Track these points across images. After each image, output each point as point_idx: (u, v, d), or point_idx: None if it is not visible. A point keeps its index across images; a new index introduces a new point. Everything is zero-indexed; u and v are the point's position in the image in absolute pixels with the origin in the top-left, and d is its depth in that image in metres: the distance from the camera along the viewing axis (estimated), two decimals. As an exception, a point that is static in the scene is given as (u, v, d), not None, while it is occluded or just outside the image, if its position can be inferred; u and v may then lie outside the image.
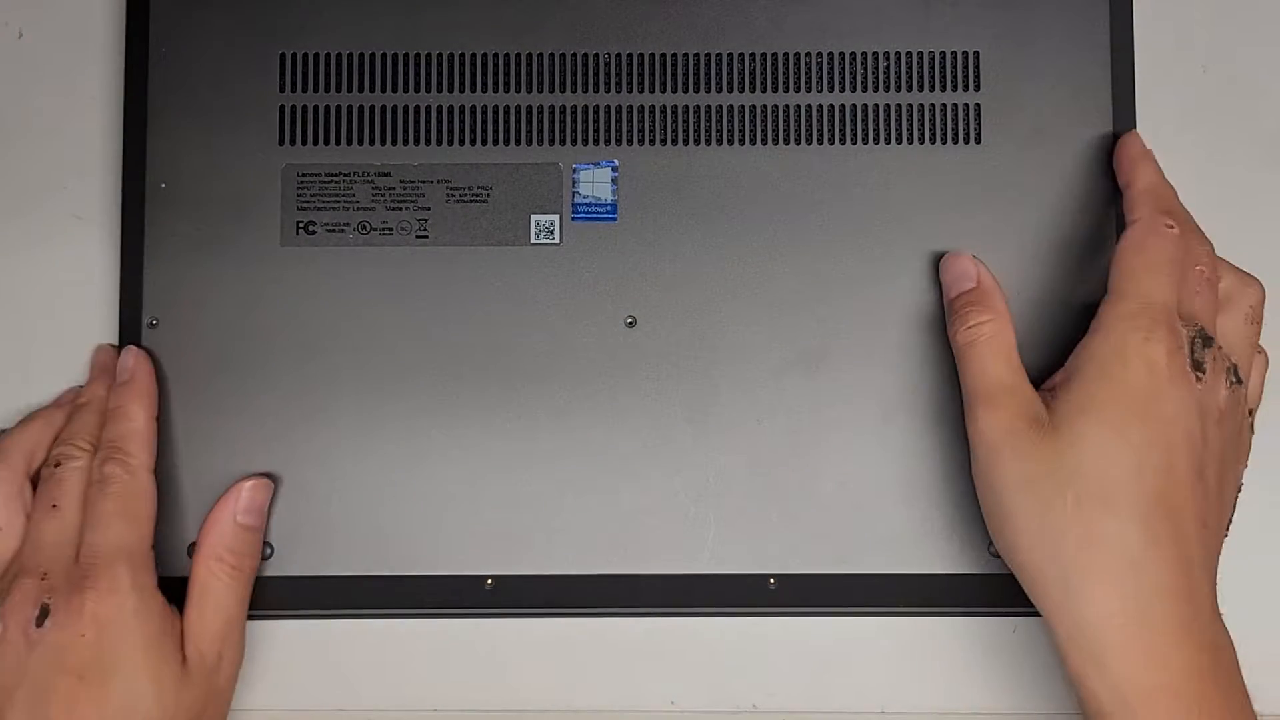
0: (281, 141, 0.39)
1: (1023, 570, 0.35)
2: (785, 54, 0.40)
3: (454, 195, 0.39)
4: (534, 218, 0.39)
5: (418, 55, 0.39)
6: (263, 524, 0.39)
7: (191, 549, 0.39)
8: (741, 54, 0.40)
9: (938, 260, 0.40)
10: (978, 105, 0.40)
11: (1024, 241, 0.40)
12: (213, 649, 0.37)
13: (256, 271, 0.40)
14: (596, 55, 0.39)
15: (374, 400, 0.39)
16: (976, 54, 0.40)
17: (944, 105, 0.40)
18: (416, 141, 0.40)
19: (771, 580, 0.40)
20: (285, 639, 0.42)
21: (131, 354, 0.39)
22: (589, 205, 0.39)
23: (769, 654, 0.44)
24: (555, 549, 0.40)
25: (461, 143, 0.39)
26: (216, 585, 0.38)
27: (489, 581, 0.40)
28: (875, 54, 0.40)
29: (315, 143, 0.39)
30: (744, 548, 0.40)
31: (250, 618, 0.41)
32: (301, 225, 0.39)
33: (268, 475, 0.39)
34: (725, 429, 0.40)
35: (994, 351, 0.37)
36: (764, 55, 0.40)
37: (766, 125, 0.40)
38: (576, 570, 0.40)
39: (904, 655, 0.43)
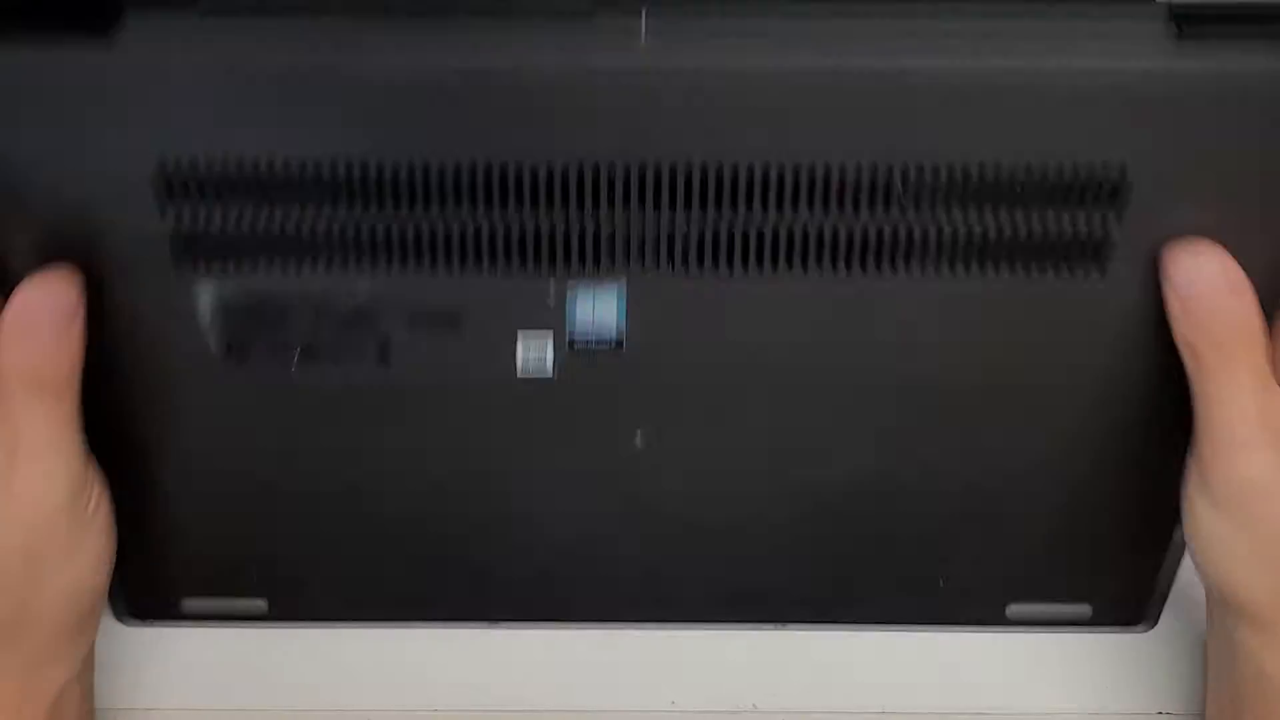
0: (191, 262, 0.30)
1: None
2: (832, 166, 0.29)
3: (418, 321, 0.31)
4: (520, 347, 0.31)
5: (352, 165, 0.28)
6: (65, 322, 0.31)
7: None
8: (782, 167, 0.29)
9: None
10: (1112, 229, 0.30)
11: None
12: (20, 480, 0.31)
13: (185, 403, 0.33)
14: (596, 168, 0.29)
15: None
16: (1122, 166, 0.29)
17: (1058, 230, 0.30)
18: (362, 263, 0.30)
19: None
20: (284, 638, 0.42)
21: None
22: (587, 336, 0.31)
23: (770, 654, 0.43)
24: None
25: (422, 266, 0.30)
26: (25, 406, 0.31)
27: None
28: (976, 167, 0.29)
29: (233, 263, 0.30)
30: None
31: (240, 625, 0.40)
32: (233, 349, 0.31)
33: None
34: None
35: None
36: (804, 168, 0.29)
37: (809, 248, 0.30)
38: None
39: (905, 656, 0.43)
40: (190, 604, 0.38)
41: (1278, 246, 0.30)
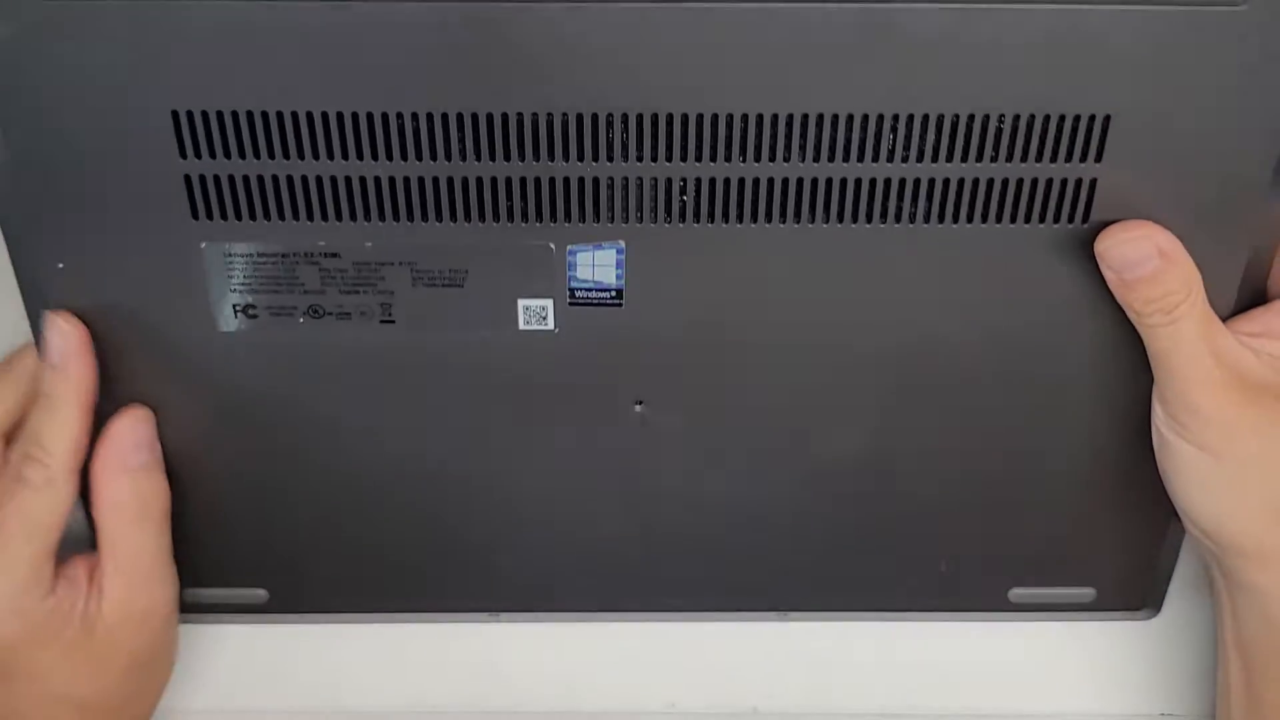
0: (195, 216, 0.31)
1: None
2: (836, 116, 0.30)
3: (421, 278, 0.32)
4: (522, 303, 0.32)
5: (356, 115, 0.29)
6: (156, 457, 0.35)
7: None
8: (776, 116, 0.30)
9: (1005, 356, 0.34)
10: (1093, 181, 0.31)
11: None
12: (136, 603, 0.35)
13: (193, 359, 0.33)
14: (595, 116, 0.30)
15: (367, 469, 0.35)
16: (1107, 119, 0.30)
17: (1043, 179, 0.31)
18: (366, 218, 0.31)
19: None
20: (284, 639, 0.41)
21: (59, 330, 0.32)
22: (588, 291, 0.32)
23: (769, 656, 0.43)
24: None
25: (425, 219, 0.31)
26: (126, 537, 0.35)
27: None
28: (960, 117, 0.30)
29: (238, 218, 0.31)
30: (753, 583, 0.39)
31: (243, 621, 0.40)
32: (239, 308, 0.32)
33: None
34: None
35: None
36: (810, 117, 0.30)
37: (815, 200, 0.31)
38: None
39: (904, 656, 0.43)
40: (191, 594, 0.38)
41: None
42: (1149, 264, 0.31)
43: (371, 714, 0.42)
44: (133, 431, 0.35)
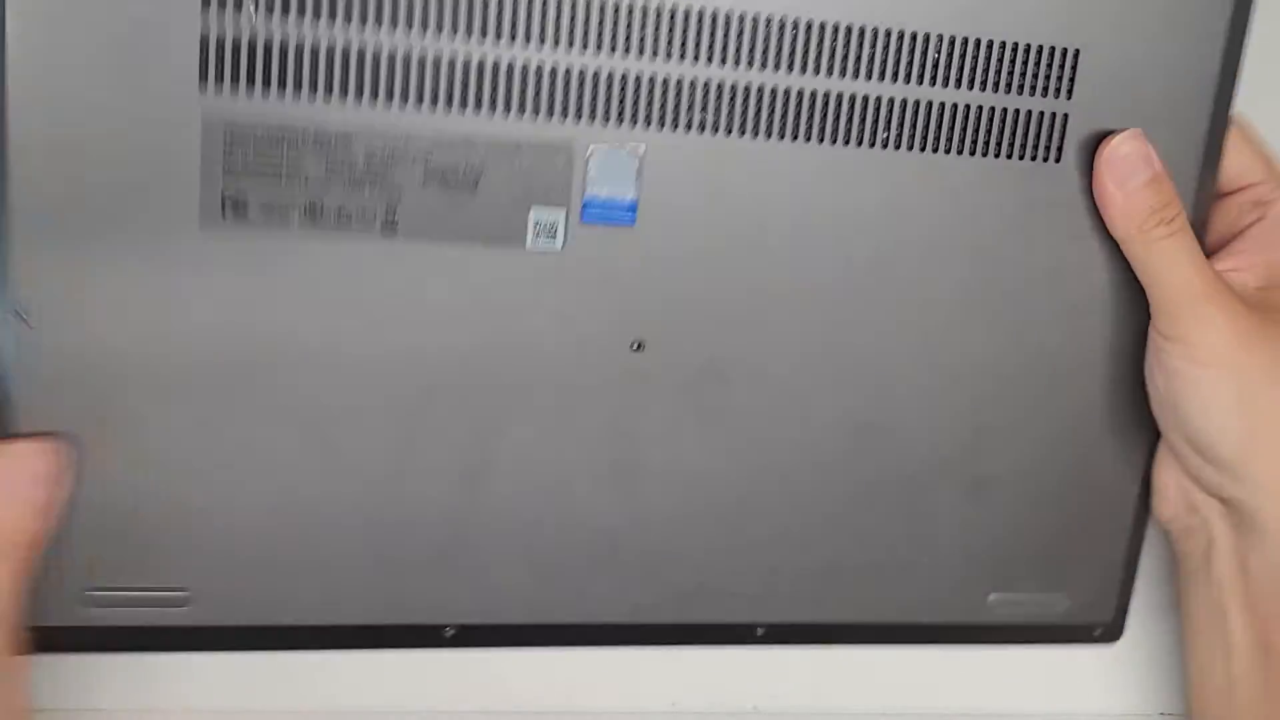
0: (204, 81, 0.29)
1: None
2: (854, 28, 0.31)
3: (434, 176, 0.31)
4: (534, 214, 0.32)
5: None
6: (51, 499, 0.31)
7: (91, 597, 0.32)
8: (796, 20, 0.31)
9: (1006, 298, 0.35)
10: (1065, 116, 0.34)
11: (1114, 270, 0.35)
12: None
13: (166, 262, 0.30)
14: (631, 7, 0.30)
15: (322, 428, 0.32)
16: (1076, 53, 0.33)
17: (1021, 111, 0.33)
18: (389, 96, 0.30)
19: (759, 630, 0.37)
20: None
21: None
22: (602, 204, 0.31)
23: (770, 656, 0.41)
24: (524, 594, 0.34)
25: (448, 104, 0.30)
26: None
27: (448, 630, 0.34)
28: (944, 37, 0.32)
29: (250, 87, 0.29)
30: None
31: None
32: (229, 200, 0.30)
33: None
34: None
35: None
36: (833, 26, 0.31)
37: (825, 117, 0.32)
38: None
39: (903, 656, 0.42)
40: (105, 595, 0.32)
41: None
42: (1148, 169, 0.33)
43: (370, 714, 0.39)
44: (37, 458, 0.30)
